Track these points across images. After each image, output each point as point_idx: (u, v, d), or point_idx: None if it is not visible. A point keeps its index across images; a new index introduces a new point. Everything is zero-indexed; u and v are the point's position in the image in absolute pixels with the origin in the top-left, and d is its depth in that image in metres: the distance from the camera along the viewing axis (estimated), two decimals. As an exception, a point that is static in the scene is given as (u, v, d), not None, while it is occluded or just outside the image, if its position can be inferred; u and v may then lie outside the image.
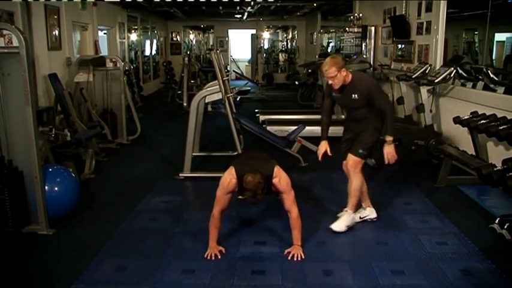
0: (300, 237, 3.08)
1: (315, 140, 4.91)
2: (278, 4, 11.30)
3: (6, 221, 3.35)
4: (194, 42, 17.35)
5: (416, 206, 4.02)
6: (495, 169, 3.39)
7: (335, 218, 3.60)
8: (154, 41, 13.59)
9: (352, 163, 3.43)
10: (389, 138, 3.34)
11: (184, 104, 9.05)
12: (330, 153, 3.50)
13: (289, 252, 3.06)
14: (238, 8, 11.62)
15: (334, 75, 3.24)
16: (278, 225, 3.54)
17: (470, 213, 3.87)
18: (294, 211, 3.03)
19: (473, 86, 5.41)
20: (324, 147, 3.53)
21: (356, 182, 3.43)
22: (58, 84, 5.56)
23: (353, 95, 3.33)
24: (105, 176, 4.92)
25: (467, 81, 5.32)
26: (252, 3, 10.18)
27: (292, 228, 3.08)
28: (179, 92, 10.24)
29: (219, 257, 3.03)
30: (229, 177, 2.95)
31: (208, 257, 3.02)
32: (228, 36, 16.03)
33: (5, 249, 3.22)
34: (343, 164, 3.57)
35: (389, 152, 3.36)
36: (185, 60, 10.00)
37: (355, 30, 8.76)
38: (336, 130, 6.51)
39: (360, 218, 3.63)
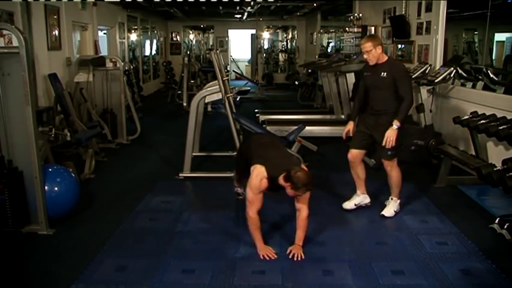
0: (303, 237, 3.09)
1: (315, 140, 4.93)
2: (278, 4, 11.30)
3: (6, 221, 3.35)
4: (194, 42, 17.34)
5: (416, 206, 4.02)
6: (495, 169, 3.40)
7: (335, 218, 3.61)
8: (154, 41, 13.59)
9: (386, 165, 3.72)
10: (397, 123, 3.51)
11: (184, 104, 9.05)
12: (351, 134, 3.80)
13: (290, 251, 3.06)
14: (238, 8, 11.62)
15: (370, 49, 3.50)
16: (278, 225, 3.54)
17: (470, 213, 3.87)
18: (305, 211, 3.05)
19: (473, 86, 5.41)
20: (349, 126, 3.82)
21: (395, 175, 3.75)
22: (58, 84, 5.55)
23: (382, 73, 3.53)
24: (105, 176, 4.92)
25: (467, 81, 5.33)
26: (252, 3, 10.18)
27: (298, 227, 3.09)
28: (179, 92, 10.24)
29: (276, 256, 3.01)
30: (260, 177, 2.95)
31: (267, 258, 3.00)
32: (228, 36, 16.03)
33: (5, 249, 3.22)
34: (349, 152, 3.80)
35: (390, 135, 3.53)
36: (185, 60, 10.00)
37: (355, 30, 8.75)
38: (335, 130, 6.52)
39: (355, 204, 3.84)
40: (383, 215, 3.74)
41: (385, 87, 3.56)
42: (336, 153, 5.98)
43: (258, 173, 2.96)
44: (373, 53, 3.52)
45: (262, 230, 3.43)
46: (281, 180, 2.91)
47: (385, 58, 3.60)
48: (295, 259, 3.00)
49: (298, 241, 3.09)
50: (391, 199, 3.82)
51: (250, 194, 2.99)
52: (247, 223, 3.06)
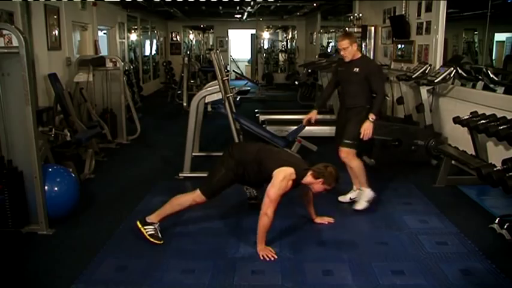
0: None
1: (315, 140, 4.93)
2: (278, 4, 11.30)
3: (6, 221, 3.35)
4: (194, 42, 17.34)
5: (416, 206, 4.02)
6: (495, 169, 3.39)
7: (335, 218, 3.61)
8: (154, 41, 13.59)
9: (344, 154, 3.82)
10: (372, 117, 3.73)
11: (184, 104, 9.02)
12: (313, 121, 4.05)
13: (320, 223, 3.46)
14: (238, 8, 11.62)
15: (347, 46, 3.73)
16: (278, 225, 3.54)
17: (470, 213, 3.87)
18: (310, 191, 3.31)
19: (473, 86, 5.41)
20: (311, 114, 4.05)
21: (355, 165, 3.84)
22: (58, 84, 5.56)
23: (355, 69, 3.76)
24: (105, 176, 4.92)
25: (467, 81, 5.33)
26: (252, 3, 10.18)
27: (309, 205, 3.51)
28: (179, 92, 10.23)
29: (276, 257, 3.02)
30: (288, 179, 3.03)
31: (268, 259, 3.00)
32: (227, 36, 16.03)
33: (5, 249, 3.22)
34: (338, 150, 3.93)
35: (367, 128, 3.74)
36: (185, 60, 9.98)
37: (355, 30, 8.74)
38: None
39: (350, 198, 3.94)
40: (356, 209, 3.83)
41: (357, 83, 3.78)
42: (336, 153, 5.98)
43: (286, 175, 3.03)
44: (350, 50, 3.75)
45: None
46: (309, 178, 3.08)
47: (359, 55, 3.86)
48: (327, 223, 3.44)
49: (314, 216, 3.53)
50: (360, 190, 3.89)
51: (274, 194, 3.01)
52: (261, 222, 3.03)
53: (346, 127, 3.81)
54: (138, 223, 3.27)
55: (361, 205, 3.84)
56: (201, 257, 3.06)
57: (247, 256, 3.08)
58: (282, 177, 3.02)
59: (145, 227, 3.23)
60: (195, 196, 3.21)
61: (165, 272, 2.87)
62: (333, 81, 4.16)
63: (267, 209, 3.00)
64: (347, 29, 8.01)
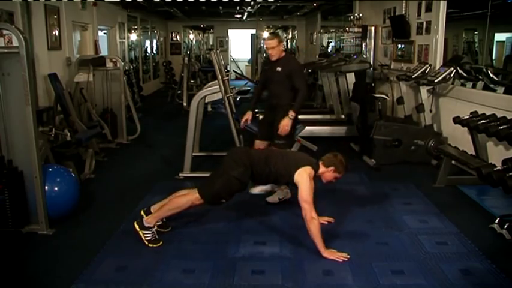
0: None
1: (315, 140, 4.93)
2: (278, 4, 11.30)
3: (6, 221, 3.36)
4: (194, 42, 17.34)
5: (416, 206, 4.02)
6: (495, 169, 3.39)
7: (334, 218, 3.61)
8: (154, 41, 13.59)
9: None
10: (292, 114, 3.89)
11: (184, 104, 9.02)
12: (249, 122, 4.18)
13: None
14: (238, 8, 11.62)
15: (275, 46, 3.89)
16: (278, 225, 3.54)
17: (470, 213, 3.87)
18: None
19: (473, 86, 5.40)
20: (247, 115, 4.19)
21: None
22: (58, 84, 5.55)
23: (277, 68, 3.93)
24: (105, 176, 4.92)
25: (467, 81, 5.32)
26: (252, 3, 10.18)
27: None
28: (179, 92, 10.22)
29: (348, 257, 3.00)
30: (311, 177, 3.12)
31: (340, 260, 2.96)
32: (228, 36, 16.03)
33: (5, 249, 3.22)
34: (256, 140, 4.23)
35: (285, 124, 3.88)
36: (185, 60, 9.98)
37: (355, 30, 8.75)
38: (335, 130, 6.54)
39: (279, 199, 3.92)
40: (266, 201, 3.92)
41: (280, 81, 3.94)
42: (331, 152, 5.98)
43: (308, 174, 3.12)
44: (277, 50, 3.90)
45: (263, 231, 3.44)
46: (321, 168, 3.23)
47: (283, 54, 4.01)
48: None
49: None
50: (281, 188, 3.92)
51: (309, 196, 3.02)
52: (313, 228, 2.98)
53: (276, 127, 3.96)
54: (136, 225, 3.23)
55: (273, 199, 3.89)
56: (201, 257, 3.06)
57: (247, 256, 3.08)
58: (306, 178, 3.09)
59: (144, 232, 3.20)
60: (194, 199, 3.19)
61: (165, 272, 2.87)
62: (262, 81, 4.24)
63: (311, 213, 2.99)
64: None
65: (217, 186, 3.20)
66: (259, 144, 4.22)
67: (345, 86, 7.02)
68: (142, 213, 3.30)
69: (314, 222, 2.99)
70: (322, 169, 3.24)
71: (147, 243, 3.18)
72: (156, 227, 3.26)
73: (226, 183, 3.19)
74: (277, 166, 3.23)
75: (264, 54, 14.07)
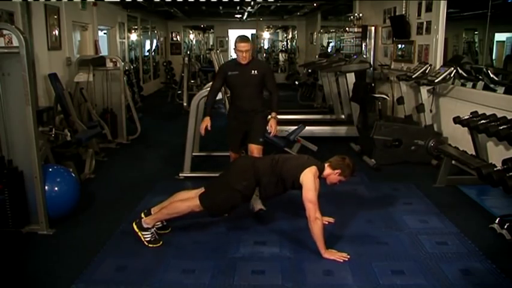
0: None
1: (315, 140, 4.93)
2: (278, 4, 11.30)
3: (6, 221, 3.36)
4: (194, 42, 17.35)
5: (416, 206, 4.02)
6: (495, 169, 3.39)
7: (334, 218, 3.61)
8: (155, 41, 13.59)
9: (257, 151, 3.90)
10: (274, 114, 3.93)
11: (184, 104, 9.02)
12: (209, 128, 3.92)
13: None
14: (238, 8, 11.62)
15: (248, 49, 3.77)
16: (278, 225, 3.54)
17: (470, 213, 3.87)
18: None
19: (474, 86, 5.40)
20: (207, 121, 3.92)
21: None
22: (58, 84, 5.55)
23: (253, 71, 3.82)
24: (105, 176, 4.92)
25: (468, 81, 5.32)
26: (252, 3, 10.17)
27: None
28: (179, 91, 10.23)
29: (349, 257, 3.00)
30: (316, 176, 3.12)
31: (341, 261, 2.96)
32: (228, 36, 16.03)
33: (5, 249, 3.22)
34: (231, 152, 4.14)
35: (275, 124, 3.89)
36: (185, 60, 9.98)
37: (355, 30, 8.75)
38: (336, 130, 6.53)
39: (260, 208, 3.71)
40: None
41: (255, 85, 3.88)
42: (337, 153, 5.97)
43: (313, 174, 3.11)
44: (250, 53, 3.80)
45: (263, 231, 3.44)
46: (327, 170, 3.22)
47: (251, 57, 3.90)
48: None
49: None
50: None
51: (313, 196, 3.02)
52: (316, 228, 2.98)
53: (255, 128, 3.92)
54: (134, 226, 3.22)
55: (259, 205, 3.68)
56: (201, 257, 3.06)
57: (247, 256, 3.08)
58: (311, 177, 3.08)
59: (143, 233, 3.19)
60: (194, 206, 3.18)
61: (165, 272, 2.87)
62: (218, 87, 4.00)
63: (315, 213, 2.98)
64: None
65: (220, 198, 3.19)
66: (235, 157, 4.12)
67: (345, 86, 7.02)
68: (142, 215, 3.30)
69: (318, 222, 2.98)
70: (328, 171, 3.23)
71: (147, 243, 3.18)
72: (155, 228, 3.25)
73: (230, 196, 3.19)
74: (282, 172, 3.21)
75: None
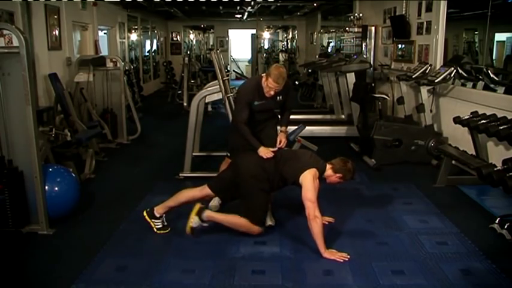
0: None
1: (316, 140, 4.92)
2: (278, 4, 11.30)
3: (6, 220, 3.35)
4: (194, 42, 17.35)
5: (416, 206, 4.02)
6: (495, 169, 3.39)
7: (334, 218, 3.62)
8: (155, 41, 13.59)
9: None
10: (284, 129, 3.68)
11: (185, 104, 9.03)
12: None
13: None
14: (238, 8, 11.61)
15: (280, 88, 3.39)
16: (278, 225, 3.54)
17: (471, 213, 3.87)
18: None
19: (474, 86, 5.40)
20: (266, 149, 3.39)
21: None
22: (58, 84, 5.55)
23: (278, 97, 3.52)
24: (105, 176, 4.92)
25: (468, 81, 5.32)
26: (252, 3, 10.17)
27: None
28: (179, 91, 10.23)
29: (349, 257, 3.01)
30: (315, 177, 3.16)
31: (341, 260, 2.97)
32: (228, 36, 16.03)
33: (5, 249, 3.22)
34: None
35: (284, 139, 3.59)
36: (185, 60, 9.99)
37: (355, 30, 8.75)
38: (336, 130, 6.52)
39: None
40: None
41: (277, 107, 3.69)
42: (337, 153, 5.97)
43: (313, 175, 3.15)
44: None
45: (264, 230, 3.43)
46: (329, 171, 3.26)
47: None
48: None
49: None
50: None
51: (313, 196, 3.06)
52: (315, 227, 3.00)
53: (269, 136, 3.63)
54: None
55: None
56: (202, 257, 3.06)
57: (247, 256, 3.08)
58: (311, 179, 3.12)
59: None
60: (248, 227, 3.23)
61: (165, 272, 2.87)
62: (246, 117, 3.48)
63: (314, 211, 3.02)
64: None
65: (257, 204, 3.23)
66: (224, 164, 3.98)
67: (345, 86, 7.03)
68: (145, 213, 3.46)
69: (317, 221, 3.00)
70: (329, 172, 3.27)
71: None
72: (164, 216, 3.45)
73: (262, 198, 3.24)
74: (283, 172, 3.26)
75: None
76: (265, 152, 3.32)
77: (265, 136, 3.63)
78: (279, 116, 3.82)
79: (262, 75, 3.49)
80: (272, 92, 3.40)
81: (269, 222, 3.52)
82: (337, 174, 3.27)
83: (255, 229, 3.24)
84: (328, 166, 3.28)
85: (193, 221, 3.23)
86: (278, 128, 3.76)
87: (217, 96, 4.82)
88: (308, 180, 3.12)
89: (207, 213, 3.27)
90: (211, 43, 17.77)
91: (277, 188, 3.37)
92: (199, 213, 3.25)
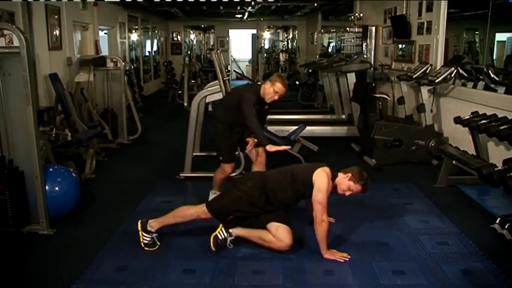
0: None
1: (316, 140, 4.93)
2: (279, 4, 11.30)
3: (6, 220, 3.36)
4: (195, 42, 17.35)
5: (417, 206, 4.02)
6: (496, 169, 3.40)
7: (335, 218, 3.62)
8: (155, 41, 13.59)
9: (265, 154, 3.86)
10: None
11: (185, 104, 9.05)
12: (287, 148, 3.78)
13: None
14: (238, 8, 11.62)
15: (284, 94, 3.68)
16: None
17: (471, 213, 3.87)
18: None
19: (474, 86, 5.40)
20: (275, 147, 3.56)
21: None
22: (59, 84, 5.56)
23: (266, 106, 3.82)
24: (105, 176, 4.92)
25: (468, 81, 5.32)
26: (253, 3, 10.18)
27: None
28: (180, 92, 10.24)
29: (349, 257, 3.00)
30: (329, 177, 3.06)
31: (342, 260, 2.97)
32: (228, 36, 16.03)
33: (6, 249, 3.22)
34: (228, 165, 3.90)
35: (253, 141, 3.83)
36: (186, 60, 10.00)
37: (356, 30, 8.75)
38: (336, 130, 6.53)
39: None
40: None
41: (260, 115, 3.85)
42: (337, 153, 5.99)
43: (326, 174, 3.05)
44: None
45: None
46: (343, 178, 3.10)
47: None
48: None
49: None
50: (214, 193, 3.95)
51: (323, 198, 2.99)
52: (321, 230, 2.98)
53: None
54: (139, 224, 3.21)
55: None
56: (202, 257, 3.06)
57: (248, 256, 3.07)
58: (324, 177, 3.03)
59: (144, 234, 3.18)
60: (201, 212, 3.19)
61: (165, 272, 2.87)
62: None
63: (322, 215, 2.97)
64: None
65: (224, 201, 3.21)
66: (231, 170, 3.99)
67: (346, 86, 7.03)
68: (139, 223, 3.23)
69: (323, 225, 2.98)
70: (340, 176, 3.13)
71: (143, 245, 3.16)
72: (156, 234, 3.22)
73: (234, 199, 3.16)
74: (294, 173, 3.15)
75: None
76: (272, 149, 3.47)
77: (243, 139, 3.88)
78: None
79: (261, 84, 3.78)
80: (276, 97, 3.63)
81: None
82: (347, 174, 3.11)
83: (205, 216, 3.17)
84: (344, 174, 3.13)
85: (145, 237, 3.17)
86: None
87: (218, 96, 4.81)
88: (322, 178, 3.01)
89: (151, 223, 3.19)
90: (211, 43, 17.76)
91: (286, 197, 3.18)
92: (144, 228, 3.18)
